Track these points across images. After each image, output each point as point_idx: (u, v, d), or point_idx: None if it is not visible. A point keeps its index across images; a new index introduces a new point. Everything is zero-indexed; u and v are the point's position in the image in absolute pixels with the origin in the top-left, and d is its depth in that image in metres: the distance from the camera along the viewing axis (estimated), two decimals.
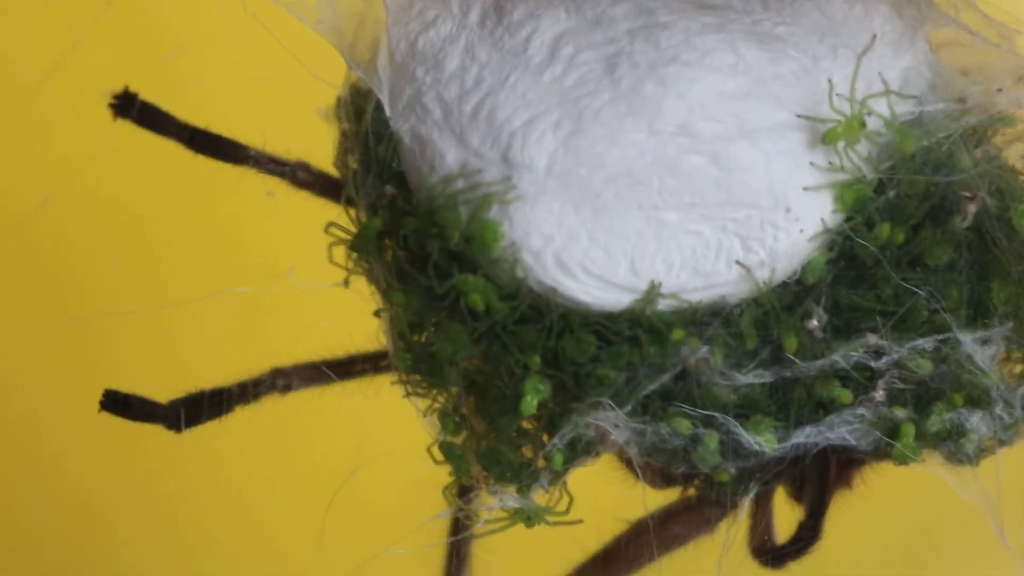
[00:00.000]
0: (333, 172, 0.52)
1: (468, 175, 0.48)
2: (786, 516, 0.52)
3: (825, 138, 0.48)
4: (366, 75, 0.51)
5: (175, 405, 0.51)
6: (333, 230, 0.50)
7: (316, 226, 0.50)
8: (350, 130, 0.51)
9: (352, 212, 0.50)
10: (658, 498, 0.53)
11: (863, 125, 0.48)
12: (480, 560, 0.56)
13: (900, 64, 0.51)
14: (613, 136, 0.48)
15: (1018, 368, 0.51)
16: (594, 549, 0.54)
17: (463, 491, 0.52)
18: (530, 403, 0.48)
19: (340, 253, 0.50)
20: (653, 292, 0.48)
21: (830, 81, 0.49)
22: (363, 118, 0.51)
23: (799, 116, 0.48)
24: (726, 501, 0.51)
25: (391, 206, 0.50)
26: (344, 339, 0.52)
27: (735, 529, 0.51)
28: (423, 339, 0.50)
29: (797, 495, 0.52)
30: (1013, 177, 0.51)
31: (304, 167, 0.53)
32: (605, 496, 0.52)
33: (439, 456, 0.50)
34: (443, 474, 0.49)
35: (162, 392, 0.51)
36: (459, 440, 0.50)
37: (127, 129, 0.51)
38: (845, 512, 0.52)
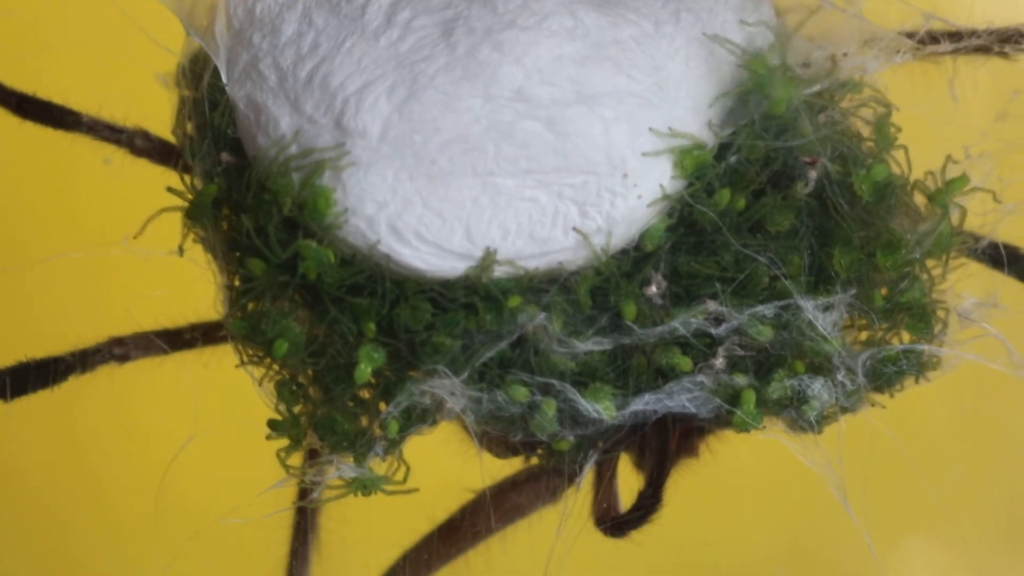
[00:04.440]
0: (172, 140, 0.51)
1: (301, 141, 0.48)
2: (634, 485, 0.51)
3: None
4: (203, 41, 0.50)
5: (1, 375, 0.51)
6: (169, 196, 0.49)
7: (153, 193, 0.49)
8: (188, 97, 0.51)
9: (188, 179, 0.50)
10: (503, 468, 0.52)
11: None
12: (328, 531, 0.56)
13: (744, 29, 0.50)
14: (448, 102, 0.47)
15: (862, 335, 0.51)
16: (440, 520, 0.54)
17: (311, 455, 0.51)
18: (364, 371, 0.48)
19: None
20: (489, 259, 0.48)
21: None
22: (200, 85, 0.50)
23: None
24: (567, 470, 0.50)
25: (227, 173, 0.49)
26: (182, 308, 0.51)
27: (576, 498, 0.51)
28: (259, 308, 0.49)
29: (639, 463, 0.52)
30: (857, 143, 0.50)
31: (142, 134, 0.52)
32: (453, 467, 0.51)
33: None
34: (282, 444, 0.49)
35: None
36: (297, 409, 0.49)
37: None
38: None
